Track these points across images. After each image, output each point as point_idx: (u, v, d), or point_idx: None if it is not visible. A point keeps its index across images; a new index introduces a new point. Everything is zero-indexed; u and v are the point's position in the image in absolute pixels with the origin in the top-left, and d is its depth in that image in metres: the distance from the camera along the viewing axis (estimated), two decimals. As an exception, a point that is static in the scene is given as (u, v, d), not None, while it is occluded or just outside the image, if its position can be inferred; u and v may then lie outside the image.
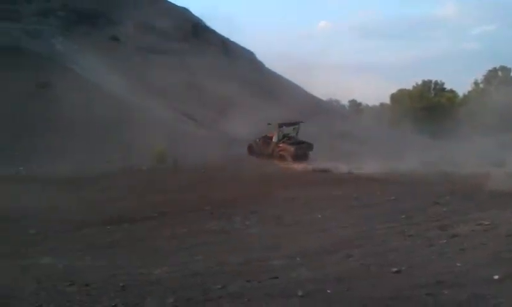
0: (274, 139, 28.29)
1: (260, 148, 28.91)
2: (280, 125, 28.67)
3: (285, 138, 28.62)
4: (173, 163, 23.12)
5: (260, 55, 63.12)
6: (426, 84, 71.63)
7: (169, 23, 53.69)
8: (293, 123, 29.50)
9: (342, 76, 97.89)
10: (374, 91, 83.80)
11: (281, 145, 28.12)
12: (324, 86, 64.14)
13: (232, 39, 61.89)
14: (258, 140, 29.28)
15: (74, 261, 8.68)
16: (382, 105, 77.41)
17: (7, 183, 18.03)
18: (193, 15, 62.53)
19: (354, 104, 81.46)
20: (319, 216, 12.13)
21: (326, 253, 8.63)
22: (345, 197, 14.84)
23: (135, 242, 10.45)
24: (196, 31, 58.07)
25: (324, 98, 62.31)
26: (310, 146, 28.18)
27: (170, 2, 62.95)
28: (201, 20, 62.49)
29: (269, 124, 28.85)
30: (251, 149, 29.25)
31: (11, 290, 6.63)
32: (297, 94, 52.59)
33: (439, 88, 71.80)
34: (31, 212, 13.39)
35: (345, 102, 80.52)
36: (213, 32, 61.03)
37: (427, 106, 66.01)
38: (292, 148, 27.51)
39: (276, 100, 41.95)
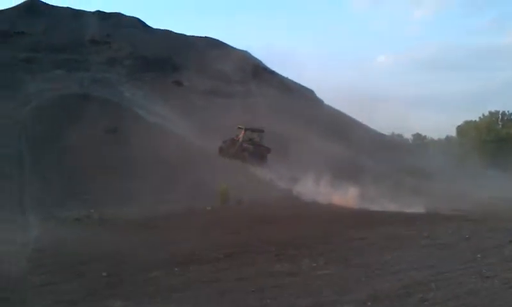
0: (240, 140, 34.01)
1: (228, 147, 34.23)
2: (246, 129, 34.49)
3: (249, 141, 34.30)
4: (236, 202, 23.36)
5: (319, 93, 63.39)
6: (493, 115, 68.74)
7: (230, 66, 55.25)
8: (258, 130, 35.32)
9: (404, 109, 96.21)
10: (438, 124, 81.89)
11: (244, 145, 33.76)
12: (386, 120, 63.28)
13: (291, 78, 62.70)
14: (226, 141, 34.61)
15: (146, 305, 8.81)
16: (448, 138, 75.01)
17: (78, 226, 18.82)
18: (253, 56, 64.06)
19: (419, 138, 79.34)
20: (390, 257, 11.72)
21: (398, 297, 8.30)
22: (416, 236, 14.31)
23: (203, 284, 10.47)
24: (256, 72, 59.33)
25: (387, 133, 61.26)
26: (267, 150, 33.92)
27: (230, 46, 64.95)
28: (260, 62, 63.90)
29: (239, 127, 34.62)
30: (221, 150, 34.41)
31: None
32: (359, 129, 52.07)
33: (507, 119, 68.59)
34: (102, 254, 13.78)
35: (408, 135, 78.71)
36: (273, 72, 62.13)
37: (496, 138, 63.13)
38: (251, 147, 33.57)
39: (337, 137, 41.71)
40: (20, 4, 58.13)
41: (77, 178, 26.45)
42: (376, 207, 22.72)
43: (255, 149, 33.64)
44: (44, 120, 33.08)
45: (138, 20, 64.18)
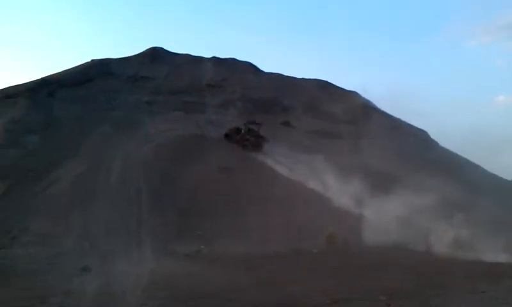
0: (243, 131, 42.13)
1: (233, 136, 42.37)
2: (248, 123, 42.75)
3: (249, 131, 42.52)
4: (343, 246, 22.90)
5: (433, 133, 60.70)
6: None
7: (338, 107, 55.11)
8: (257, 123, 43.66)
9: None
10: None
11: (246, 136, 41.87)
12: (509, 163, 58.61)
13: (403, 119, 60.89)
14: (232, 129, 43.74)
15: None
16: None
17: (189, 261, 19.65)
18: (362, 97, 63.38)
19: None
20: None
21: None
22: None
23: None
24: (365, 113, 58.47)
25: (509, 178, 56.56)
26: (264, 139, 42.69)
27: (339, 87, 65.00)
28: (370, 102, 62.98)
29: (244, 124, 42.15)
30: (226, 136, 43.01)
31: None
32: (476, 172, 48.78)
33: None
34: (211, 290, 14.23)
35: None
36: (383, 113, 60.84)
37: None
38: (252, 139, 42.19)
39: (452, 178, 39.37)
40: (144, 52, 63.54)
41: (190, 214, 27.70)
42: (489, 256, 20.95)
43: (254, 140, 42.42)
44: (163, 159, 35.32)
45: (250, 64, 66.93)
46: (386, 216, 30.20)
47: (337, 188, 34.33)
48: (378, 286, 14.38)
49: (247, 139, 42.62)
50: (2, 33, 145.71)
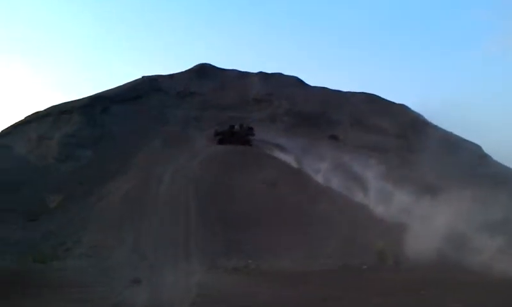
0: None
1: (226, 136, 43.86)
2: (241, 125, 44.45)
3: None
4: (394, 262, 22.28)
5: (487, 148, 58.39)
6: None
7: (386, 121, 54.11)
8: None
9: None
10: None
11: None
12: None
13: (455, 133, 58.96)
14: (225, 131, 44.99)
15: None
16: None
17: (238, 276, 19.68)
18: (411, 110, 61.99)
19: None
20: None
21: None
22: None
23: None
24: (414, 126, 57.11)
25: None
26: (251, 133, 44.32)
27: (387, 100, 63.85)
28: (419, 115, 61.47)
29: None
30: (217, 134, 45.83)
31: None
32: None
33: None
34: (261, 305, 14.20)
35: None
36: (433, 126, 59.20)
37: None
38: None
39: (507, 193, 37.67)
40: (192, 68, 64.88)
41: (238, 228, 27.77)
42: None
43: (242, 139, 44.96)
44: (210, 173, 35.71)
45: (297, 78, 66.97)
46: (437, 231, 29.24)
47: (386, 203, 33.62)
48: (437, 304, 13.88)
49: (244, 135, 46.63)
50: (56, 53, 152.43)
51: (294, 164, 41.51)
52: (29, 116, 49.54)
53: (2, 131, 47.35)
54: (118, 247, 23.80)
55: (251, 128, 48.20)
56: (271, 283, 18.09)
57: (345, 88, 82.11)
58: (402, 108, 62.07)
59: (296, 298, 15.34)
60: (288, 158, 42.73)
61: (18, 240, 26.33)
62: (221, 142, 45.42)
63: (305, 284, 17.87)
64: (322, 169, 40.15)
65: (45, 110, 50.01)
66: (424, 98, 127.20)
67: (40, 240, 26.09)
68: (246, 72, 66.46)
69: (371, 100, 63.28)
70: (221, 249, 24.40)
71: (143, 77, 60.51)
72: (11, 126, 47.95)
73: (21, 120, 49.00)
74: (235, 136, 46.22)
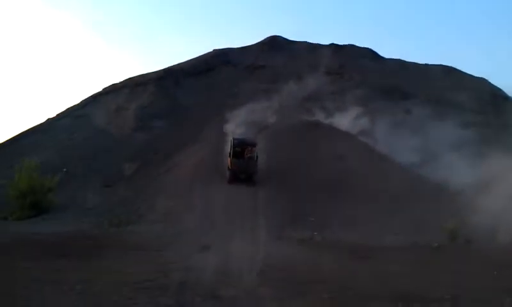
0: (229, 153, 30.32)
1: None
2: (234, 139, 30.75)
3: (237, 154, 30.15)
4: (465, 241, 21.45)
5: None
6: None
7: (464, 95, 51.40)
8: (250, 143, 31.03)
9: None
10: None
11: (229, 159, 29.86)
12: None
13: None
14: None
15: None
16: None
17: (304, 247, 19.79)
18: (492, 84, 58.52)
19: None
20: None
21: None
22: None
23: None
24: (495, 102, 53.95)
25: None
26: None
27: (466, 73, 60.58)
28: (501, 90, 57.90)
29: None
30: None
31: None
32: None
33: None
34: (324, 276, 14.22)
35: None
36: (515, 101, 55.67)
37: None
38: (229, 160, 29.46)
39: None
40: (263, 40, 64.60)
41: (305, 200, 27.83)
42: None
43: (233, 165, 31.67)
44: (278, 145, 35.75)
45: (370, 50, 64.88)
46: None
47: (461, 181, 32.21)
48: (503, 286, 13.27)
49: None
50: (133, 29, 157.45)
51: (365, 139, 40.61)
52: (106, 87, 51.90)
53: (81, 101, 50.00)
54: (189, 214, 24.58)
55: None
56: (337, 255, 18.06)
57: (421, 60, 78.94)
58: (482, 81, 58.70)
59: (362, 271, 15.20)
60: (359, 132, 41.86)
61: (96, 205, 27.96)
62: None
63: (372, 259, 17.67)
64: (394, 144, 38.98)
65: (121, 82, 52.14)
66: (506, 72, 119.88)
67: (116, 206, 27.53)
68: (317, 44, 65.25)
69: (448, 73, 60.24)
70: (288, 221, 24.61)
71: (214, 50, 61.19)
72: (90, 96, 50.50)
73: (99, 91, 51.45)
74: None
